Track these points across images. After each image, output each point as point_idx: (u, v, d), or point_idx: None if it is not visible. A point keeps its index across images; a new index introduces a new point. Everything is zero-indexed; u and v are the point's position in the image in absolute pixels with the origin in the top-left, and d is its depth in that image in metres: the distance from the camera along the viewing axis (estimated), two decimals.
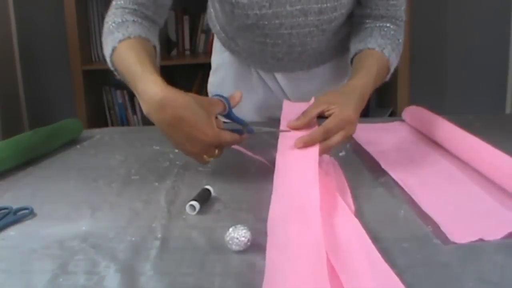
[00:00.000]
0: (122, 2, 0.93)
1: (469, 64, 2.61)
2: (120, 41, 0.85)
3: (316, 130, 0.80)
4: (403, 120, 1.12)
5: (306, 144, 0.78)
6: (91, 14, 2.44)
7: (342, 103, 0.82)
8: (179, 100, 0.74)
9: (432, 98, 2.57)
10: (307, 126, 0.83)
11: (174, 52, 2.52)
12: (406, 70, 2.25)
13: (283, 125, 0.86)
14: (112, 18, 0.91)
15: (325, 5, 0.96)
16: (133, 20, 0.90)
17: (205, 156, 0.79)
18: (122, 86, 2.49)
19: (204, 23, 2.48)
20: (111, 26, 0.89)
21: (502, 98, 2.63)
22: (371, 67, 0.94)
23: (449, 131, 0.93)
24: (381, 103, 2.51)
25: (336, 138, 0.80)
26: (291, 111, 0.90)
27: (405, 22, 1.04)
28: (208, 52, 2.54)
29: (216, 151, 0.79)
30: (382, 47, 0.96)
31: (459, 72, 2.63)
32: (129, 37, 0.85)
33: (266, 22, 0.98)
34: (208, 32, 2.49)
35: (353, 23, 1.07)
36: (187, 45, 2.52)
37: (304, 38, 1.02)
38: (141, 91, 0.76)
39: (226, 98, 0.82)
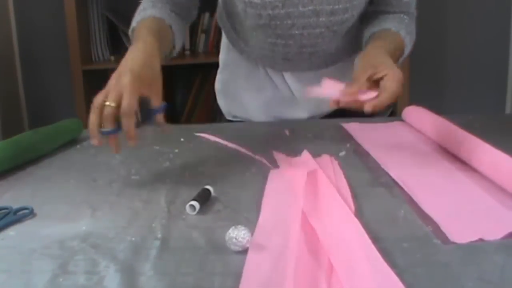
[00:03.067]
0: None
1: (469, 64, 2.60)
2: (133, 28, 0.97)
3: (384, 95, 0.82)
4: (403, 120, 1.12)
5: (375, 107, 0.82)
6: (91, 14, 2.43)
7: (385, 64, 0.86)
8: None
9: (432, 98, 2.56)
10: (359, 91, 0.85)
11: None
12: (406, 70, 2.24)
13: (326, 88, 0.88)
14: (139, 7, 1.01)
15: (337, 6, 0.96)
16: (152, 4, 0.99)
17: (102, 100, 0.78)
18: None
19: (204, 23, 2.48)
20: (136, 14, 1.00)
21: (502, 98, 2.63)
22: (389, 37, 0.98)
23: (449, 131, 0.93)
24: None
25: (390, 98, 0.83)
26: (329, 88, 0.91)
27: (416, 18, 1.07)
28: (208, 52, 2.55)
29: (113, 104, 0.79)
30: (397, 29, 1.00)
31: (459, 72, 2.62)
32: (143, 19, 0.96)
33: (278, 22, 0.99)
34: (208, 32, 2.49)
35: (366, 18, 1.08)
36: (187, 45, 2.52)
37: (315, 39, 1.03)
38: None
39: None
